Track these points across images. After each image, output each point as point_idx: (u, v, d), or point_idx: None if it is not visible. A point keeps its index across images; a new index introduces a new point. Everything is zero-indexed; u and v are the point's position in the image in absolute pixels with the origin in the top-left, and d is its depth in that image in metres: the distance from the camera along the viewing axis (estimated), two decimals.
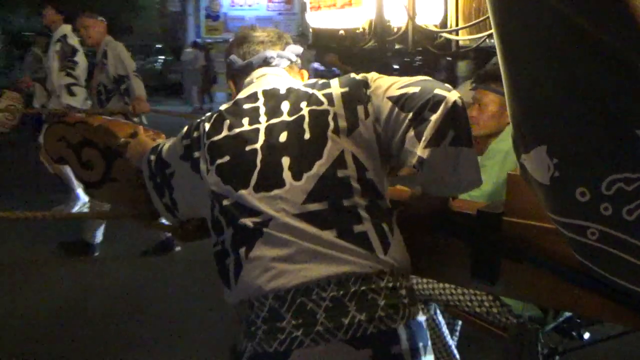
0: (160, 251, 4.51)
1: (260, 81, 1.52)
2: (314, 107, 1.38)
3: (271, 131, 1.37)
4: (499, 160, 2.27)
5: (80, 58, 5.06)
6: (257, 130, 1.38)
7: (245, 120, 1.41)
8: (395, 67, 11.32)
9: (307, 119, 1.37)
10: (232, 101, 1.50)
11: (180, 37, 18.04)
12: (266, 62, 1.56)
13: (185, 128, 1.54)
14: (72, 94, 4.96)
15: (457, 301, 2.43)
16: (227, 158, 1.37)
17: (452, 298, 2.43)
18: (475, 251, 1.48)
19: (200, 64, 14.82)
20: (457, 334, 2.72)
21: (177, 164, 1.54)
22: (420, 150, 1.29)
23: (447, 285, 2.45)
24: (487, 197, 2.09)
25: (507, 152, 2.23)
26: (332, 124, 1.36)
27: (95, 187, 2.24)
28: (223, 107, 1.49)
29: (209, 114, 1.51)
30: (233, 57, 1.61)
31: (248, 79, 1.56)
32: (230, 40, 1.67)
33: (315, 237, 1.25)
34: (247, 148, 1.36)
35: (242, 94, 1.51)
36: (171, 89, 17.13)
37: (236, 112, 1.45)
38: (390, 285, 1.27)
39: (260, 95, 1.47)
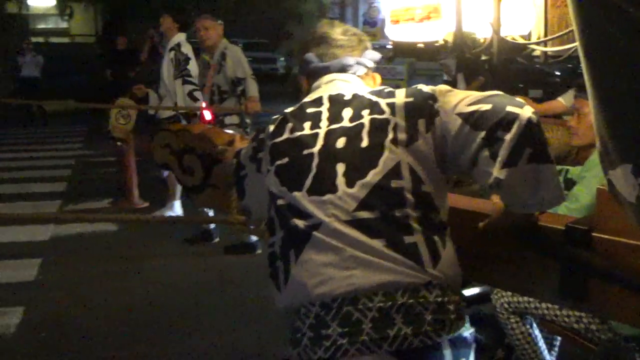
0: (201, 240, 4.74)
1: (328, 86, 1.52)
2: (375, 116, 1.37)
3: (329, 137, 1.38)
4: (598, 172, 2.25)
5: (193, 65, 5.21)
6: (317, 135, 1.39)
7: (307, 125, 1.42)
8: None
9: (366, 127, 1.37)
10: (298, 104, 1.51)
11: None
12: (343, 70, 1.54)
13: (255, 132, 1.61)
14: (195, 99, 5.10)
15: (553, 316, 2.40)
16: (285, 160, 1.40)
17: (548, 312, 2.39)
18: (563, 268, 1.45)
19: None
20: (556, 349, 2.66)
21: (248, 165, 1.61)
22: (497, 171, 1.26)
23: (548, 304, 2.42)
24: (586, 210, 2.06)
25: None
26: (391, 134, 1.35)
27: (195, 191, 2.41)
28: (289, 110, 1.50)
29: (275, 116, 1.53)
30: (310, 55, 1.58)
31: (316, 83, 1.55)
32: (308, 36, 1.63)
33: (364, 245, 1.25)
34: (305, 152, 1.38)
35: (308, 98, 1.52)
36: None
37: (300, 115, 1.46)
38: (439, 299, 1.25)
39: (325, 100, 1.47)
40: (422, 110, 1.38)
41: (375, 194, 1.29)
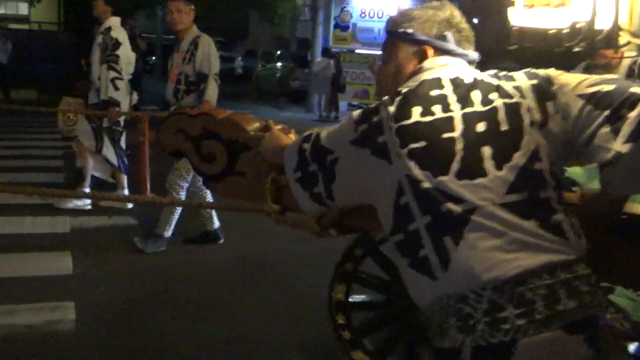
0: (204, 240, 4.68)
1: (441, 69, 1.51)
2: (506, 100, 1.39)
3: (467, 121, 1.38)
4: None
5: (124, 51, 5.04)
6: (451, 118, 1.38)
7: (437, 108, 1.40)
8: None
9: (501, 111, 1.38)
10: (416, 83, 1.47)
11: (306, 46, 18.46)
12: (471, 63, 1.58)
13: (357, 113, 1.52)
14: (115, 87, 4.98)
15: None
16: (422, 143, 1.37)
17: None
18: None
19: (331, 72, 15.08)
20: None
21: (345, 149, 1.51)
22: (619, 146, 1.29)
23: None
24: None
25: None
26: (527, 117, 1.37)
27: (215, 179, 2.22)
28: (404, 89, 1.47)
29: (386, 97, 1.48)
30: (450, 35, 1.57)
31: (429, 64, 1.54)
32: (433, 9, 1.60)
33: (521, 227, 1.28)
34: (444, 136, 1.36)
35: (422, 77, 1.49)
36: (293, 96, 17.46)
37: (423, 97, 1.43)
38: (586, 272, 1.32)
39: (445, 83, 1.45)
40: (548, 93, 1.40)
41: (522, 177, 1.32)
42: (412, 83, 1.49)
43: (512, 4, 2.37)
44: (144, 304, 3.79)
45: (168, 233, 4.52)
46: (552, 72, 1.45)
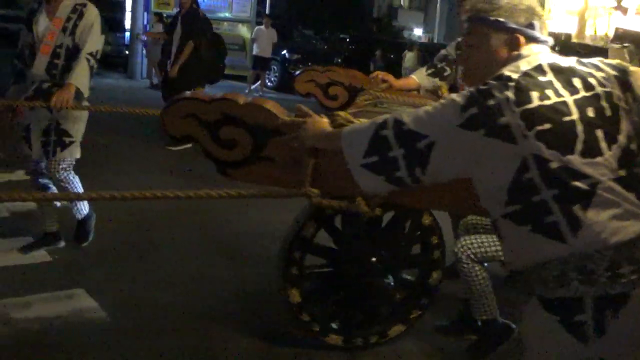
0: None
1: (537, 56, 1.66)
2: (603, 88, 1.59)
3: (580, 106, 1.55)
4: None
5: None
6: (565, 103, 1.55)
7: (550, 93, 1.56)
8: None
9: (602, 98, 1.58)
10: (522, 70, 1.60)
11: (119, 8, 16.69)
12: (551, 48, 1.74)
13: (461, 99, 1.60)
14: None
15: None
16: (547, 126, 1.52)
17: None
18: None
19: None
20: None
21: (446, 133, 1.61)
22: None
23: None
24: None
25: None
26: (620, 103, 1.59)
27: (233, 166, 2.22)
28: (513, 75, 1.58)
29: (496, 82, 1.57)
30: (537, 23, 1.71)
31: (527, 52, 1.68)
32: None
33: (628, 198, 1.52)
34: (565, 119, 1.53)
35: (526, 65, 1.62)
36: (107, 62, 15.52)
37: (536, 83, 1.57)
38: None
39: (546, 69, 1.61)
40: (627, 84, 1.63)
41: (624, 156, 1.55)
42: (515, 69, 1.61)
43: (625, 11, 2.64)
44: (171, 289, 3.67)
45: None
46: (624, 64, 1.65)
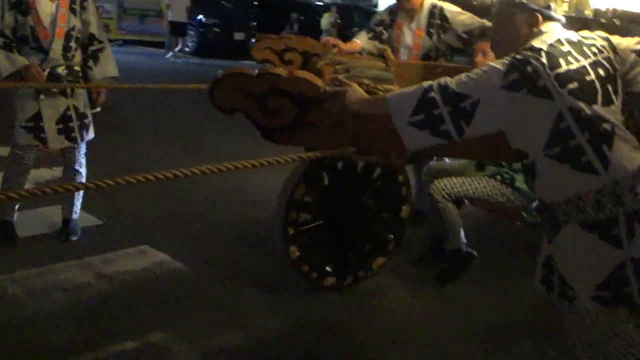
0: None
1: (554, 32, 2.12)
2: (604, 54, 2.08)
3: (594, 68, 2.03)
4: None
5: None
6: (584, 66, 2.02)
7: (571, 59, 2.02)
8: None
9: (605, 61, 2.07)
10: (547, 42, 2.05)
11: None
12: (563, 25, 2.19)
13: (502, 66, 2.00)
14: None
15: (485, 195, 3.45)
16: (575, 84, 1.98)
17: (480, 193, 3.46)
18: None
19: None
20: None
21: (490, 93, 2.01)
22: None
23: (477, 185, 3.42)
24: None
25: None
26: (615, 64, 2.10)
27: (278, 132, 2.57)
28: (542, 47, 2.03)
29: (530, 52, 2.00)
30: (553, 5, 2.16)
31: (546, 27, 2.12)
32: None
33: (630, 136, 2.03)
34: (587, 78, 2.00)
35: (549, 39, 2.07)
36: None
37: (561, 52, 2.03)
38: None
39: (564, 41, 2.07)
40: (615, 49, 2.14)
41: (622, 104, 2.09)
42: (542, 42, 2.05)
43: None
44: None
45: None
46: (604, 34, 2.16)
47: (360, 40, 4.46)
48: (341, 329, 3.14)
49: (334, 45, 4.30)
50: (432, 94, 2.09)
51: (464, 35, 4.23)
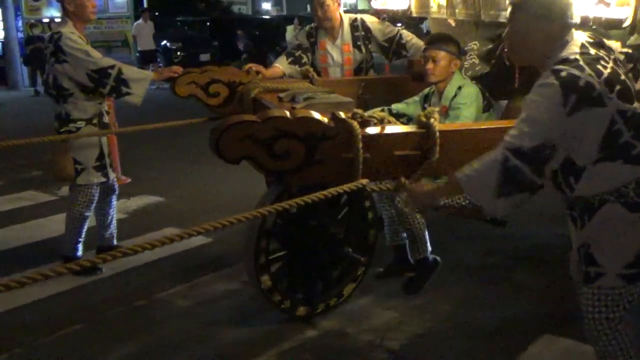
0: None
1: (577, 39, 2.16)
2: (613, 53, 2.20)
3: (619, 67, 2.14)
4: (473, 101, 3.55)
5: None
6: (614, 68, 2.10)
7: (604, 62, 2.09)
8: None
9: (621, 60, 2.23)
10: (577, 50, 2.09)
11: None
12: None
13: (556, 93, 2.01)
14: None
15: (454, 203, 3.64)
16: (618, 86, 2.06)
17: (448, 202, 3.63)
18: None
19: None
20: None
21: (560, 126, 2.04)
22: None
23: None
24: None
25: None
26: (625, 63, 2.31)
27: (292, 172, 2.60)
28: (578, 57, 2.06)
29: (569, 67, 2.02)
30: (574, 15, 2.18)
31: (569, 37, 2.15)
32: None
33: None
34: (622, 78, 2.10)
35: (575, 47, 2.11)
36: None
37: (593, 58, 2.08)
38: None
39: (587, 45, 2.13)
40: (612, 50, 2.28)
41: None
42: (570, 51, 2.09)
43: None
44: None
45: None
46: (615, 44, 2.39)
47: (281, 65, 4.56)
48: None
49: (257, 72, 4.35)
50: (512, 162, 2.08)
51: (384, 44, 4.51)
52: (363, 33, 4.48)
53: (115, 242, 4.40)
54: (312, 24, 4.69)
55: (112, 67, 3.84)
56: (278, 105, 3.41)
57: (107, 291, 3.92)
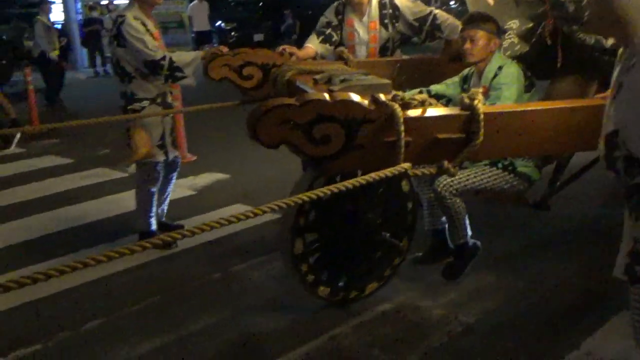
0: None
1: None
2: None
3: None
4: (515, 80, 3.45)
5: None
6: None
7: None
8: None
9: None
10: None
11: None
12: None
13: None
14: None
15: (489, 185, 3.57)
16: None
17: (483, 185, 3.54)
18: None
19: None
20: None
21: None
22: None
23: (482, 177, 3.55)
24: None
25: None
26: None
27: (331, 158, 2.54)
28: None
29: None
30: None
31: None
32: None
33: None
34: None
35: None
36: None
37: None
38: None
39: None
40: None
41: None
42: None
43: None
44: None
45: None
46: None
47: (313, 45, 4.49)
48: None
49: (291, 54, 4.29)
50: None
51: (415, 23, 4.41)
52: (391, 11, 4.39)
53: (164, 218, 4.57)
54: (341, 0, 4.58)
55: (164, 58, 4.01)
56: (313, 88, 3.35)
57: (181, 265, 4.10)
